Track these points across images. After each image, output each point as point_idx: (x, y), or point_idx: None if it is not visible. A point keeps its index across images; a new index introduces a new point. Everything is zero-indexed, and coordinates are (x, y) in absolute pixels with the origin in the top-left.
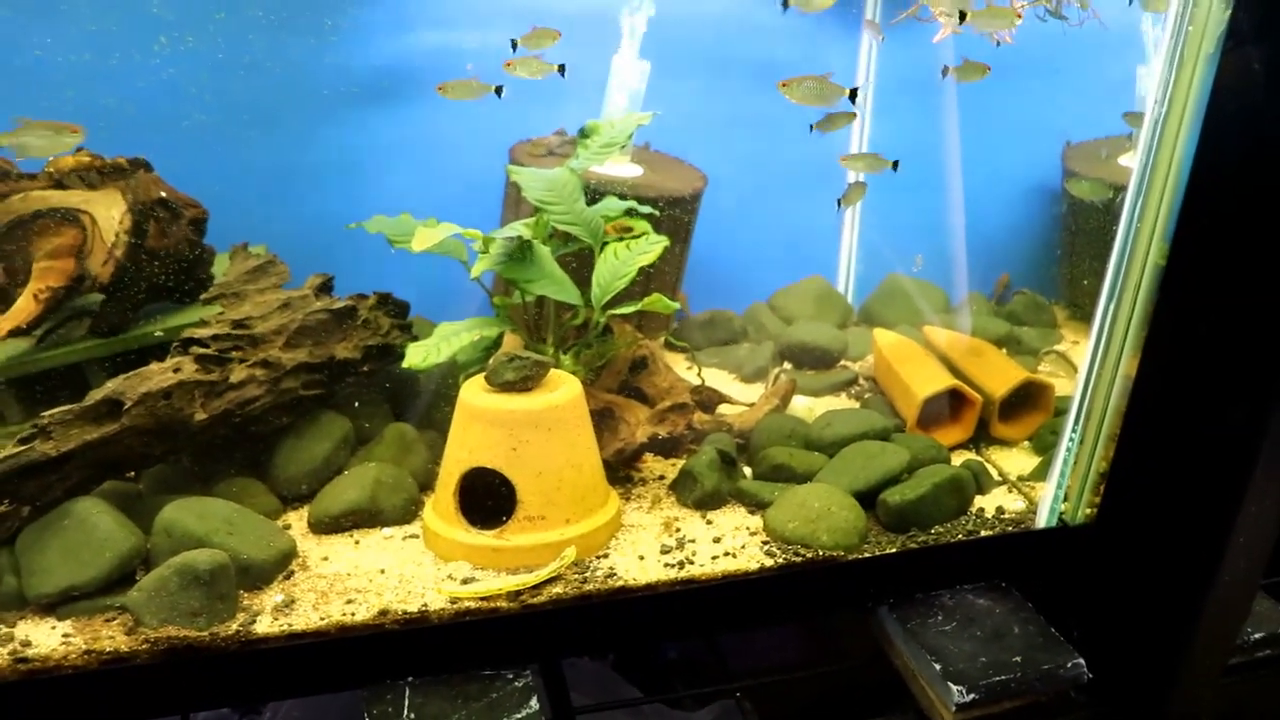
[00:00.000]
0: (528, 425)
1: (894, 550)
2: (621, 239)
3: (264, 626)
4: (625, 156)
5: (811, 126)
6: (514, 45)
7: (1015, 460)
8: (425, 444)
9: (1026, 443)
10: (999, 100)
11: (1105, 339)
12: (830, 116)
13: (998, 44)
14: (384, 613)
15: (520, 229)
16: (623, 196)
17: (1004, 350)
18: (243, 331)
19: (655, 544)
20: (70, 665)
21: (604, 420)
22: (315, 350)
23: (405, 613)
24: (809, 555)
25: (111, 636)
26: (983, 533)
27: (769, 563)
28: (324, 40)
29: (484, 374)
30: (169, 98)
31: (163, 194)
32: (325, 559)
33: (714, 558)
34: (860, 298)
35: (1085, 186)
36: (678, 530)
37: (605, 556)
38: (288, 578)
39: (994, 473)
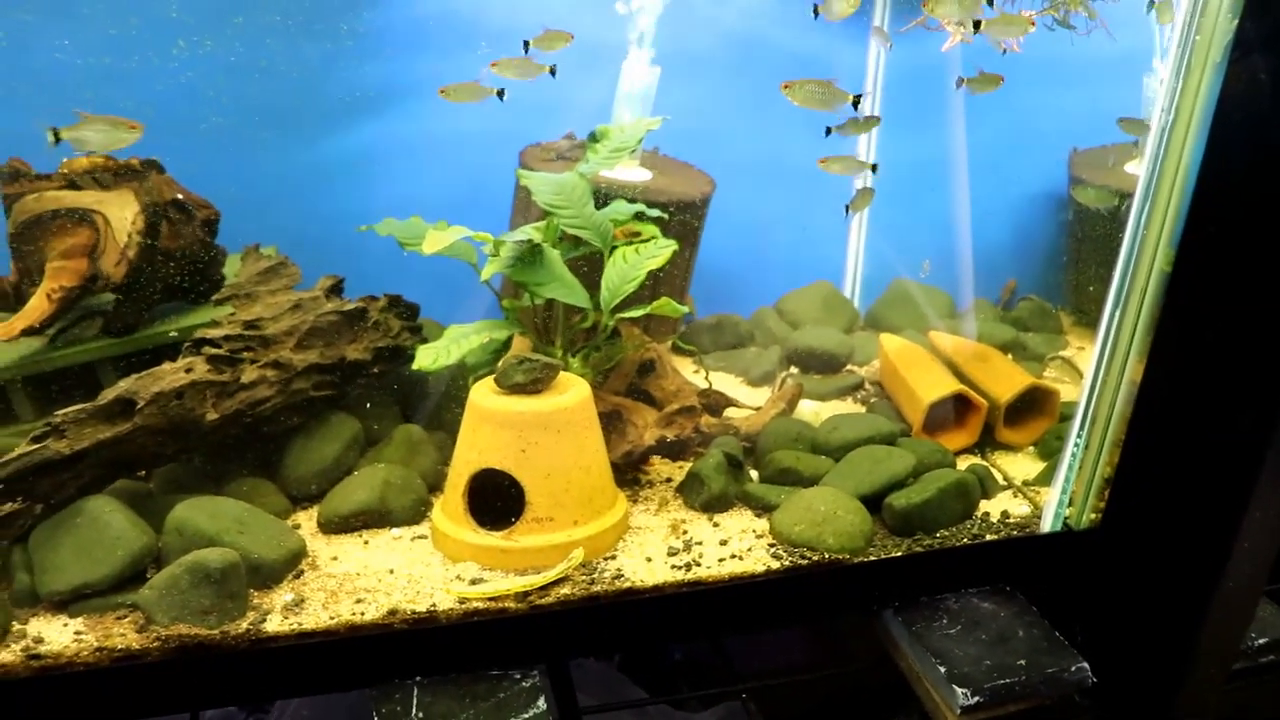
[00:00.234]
0: (537, 427)
1: (899, 554)
2: (630, 243)
3: (274, 625)
4: (635, 161)
5: (829, 130)
6: (525, 47)
7: (1020, 465)
8: (434, 445)
9: (1032, 448)
10: (1006, 107)
11: (1111, 345)
12: (852, 121)
13: (1004, 52)
14: (393, 612)
15: (530, 232)
16: (632, 200)
17: (1010, 356)
18: (254, 332)
19: (662, 546)
20: (82, 662)
21: (612, 423)
22: (326, 351)
23: (414, 612)
24: (815, 558)
25: (123, 634)
26: (988, 537)
27: (775, 565)
28: (339, 44)
29: (493, 376)
30: (186, 100)
31: (176, 195)
32: (335, 559)
33: (720, 560)
34: (867, 303)
35: (1092, 193)
36: (685, 532)
37: (613, 558)
38: (297, 577)
39: (999, 477)
